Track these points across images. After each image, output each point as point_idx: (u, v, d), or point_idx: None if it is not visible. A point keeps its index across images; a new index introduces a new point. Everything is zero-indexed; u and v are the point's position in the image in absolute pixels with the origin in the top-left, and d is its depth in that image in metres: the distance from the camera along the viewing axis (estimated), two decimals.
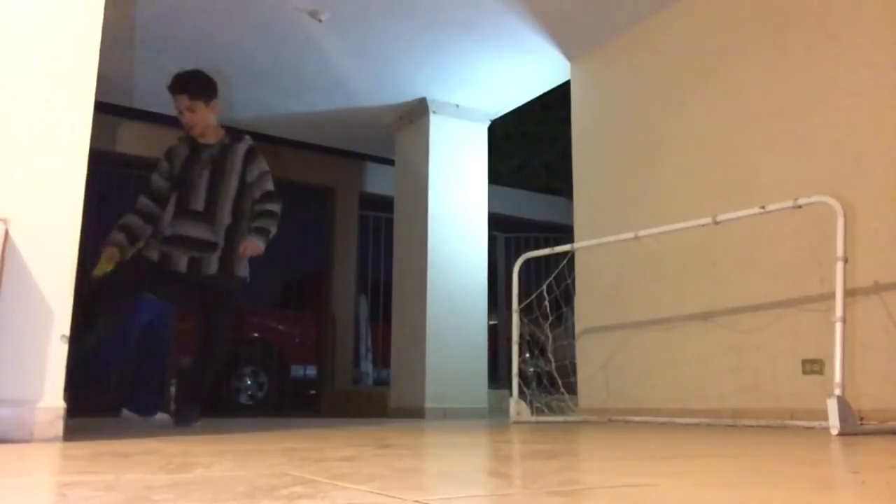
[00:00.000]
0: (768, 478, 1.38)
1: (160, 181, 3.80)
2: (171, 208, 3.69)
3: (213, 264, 3.65)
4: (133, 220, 3.79)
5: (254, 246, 3.66)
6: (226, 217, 3.70)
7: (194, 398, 3.84)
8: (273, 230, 3.76)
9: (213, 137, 3.80)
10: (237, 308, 4.10)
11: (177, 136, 3.92)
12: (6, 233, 2.24)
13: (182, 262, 3.61)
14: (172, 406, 6.51)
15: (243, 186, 3.76)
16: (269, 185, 3.81)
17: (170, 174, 3.79)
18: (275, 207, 3.79)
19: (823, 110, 3.60)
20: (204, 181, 3.70)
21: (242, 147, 3.80)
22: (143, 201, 3.80)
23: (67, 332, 2.34)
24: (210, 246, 3.65)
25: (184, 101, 3.72)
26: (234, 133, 3.88)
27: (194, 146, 3.79)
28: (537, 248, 4.71)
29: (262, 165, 3.81)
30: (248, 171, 3.77)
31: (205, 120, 3.77)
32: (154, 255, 3.64)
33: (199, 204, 3.67)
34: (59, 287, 2.35)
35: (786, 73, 3.79)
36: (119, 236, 3.77)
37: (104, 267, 4.10)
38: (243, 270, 3.76)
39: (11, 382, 2.24)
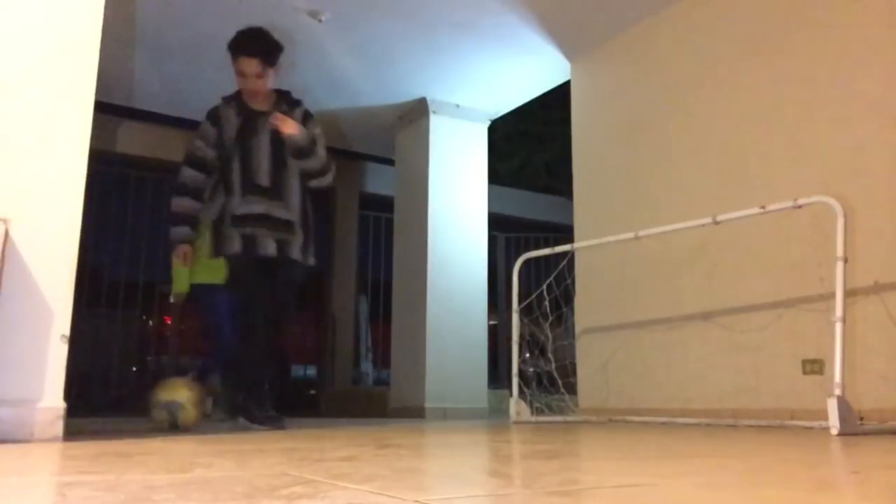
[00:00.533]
0: (768, 478, 1.38)
1: (207, 150, 3.39)
2: (236, 184, 3.30)
3: (296, 249, 3.32)
4: (185, 202, 3.38)
5: (288, 122, 3.25)
6: (294, 194, 3.37)
7: (265, 396, 3.36)
8: (323, 170, 3.47)
9: (265, 104, 3.42)
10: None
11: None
12: (6, 233, 2.24)
13: (270, 246, 3.26)
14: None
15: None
16: (324, 152, 3.49)
17: (218, 142, 3.38)
18: (329, 165, 3.51)
19: (823, 110, 3.59)
20: (266, 154, 3.32)
21: (299, 113, 3.45)
22: (190, 174, 3.38)
23: (67, 332, 2.34)
24: (290, 226, 3.32)
25: (254, 66, 3.32)
26: (287, 97, 3.51)
27: (248, 113, 3.38)
28: (537, 248, 4.71)
29: (316, 128, 3.48)
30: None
31: (268, 87, 3.42)
32: (235, 245, 3.25)
33: (264, 179, 3.31)
34: (59, 287, 2.35)
35: (786, 72, 3.79)
36: (182, 230, 3.37)
37: (182, 282, 3.98)
38: (313, 259, 3.47)
39: (11, 382, 2.24)
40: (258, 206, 3.29)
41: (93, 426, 3.07)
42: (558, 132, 8.83)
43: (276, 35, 3.51)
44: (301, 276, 3.50)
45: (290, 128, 3.27)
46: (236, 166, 3.33)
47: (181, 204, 3.39)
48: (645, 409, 4.17)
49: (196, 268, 4.31)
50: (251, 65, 3.34)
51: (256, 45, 3.39)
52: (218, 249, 3.35)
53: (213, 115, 3.45)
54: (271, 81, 3.42)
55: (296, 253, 3.35)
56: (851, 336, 3.14)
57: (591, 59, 5.08)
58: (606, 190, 4.80)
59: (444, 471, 1.54)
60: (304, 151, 3.36)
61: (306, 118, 3.49)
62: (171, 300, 4.51)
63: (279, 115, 3.28)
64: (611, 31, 4.80)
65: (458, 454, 2.03)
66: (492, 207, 6.16)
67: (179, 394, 3.12)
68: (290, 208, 3.35)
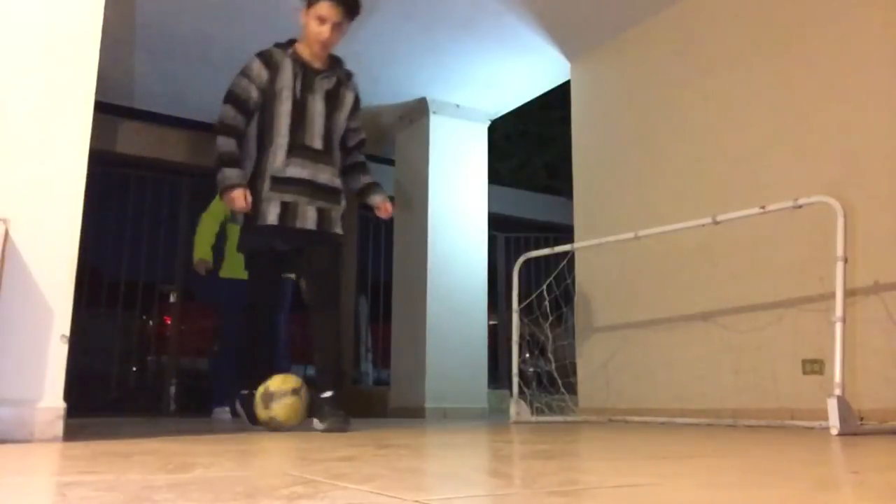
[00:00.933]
0: (768, 478, 1.38)
1: (252, 90, 3.14)
2: (283, 142, 3.07)
3: (337, 221, 3.12)
4: (231, 143, 3.09)
5: (388, 206, 3.30)
6: (339, 161, 3.21)
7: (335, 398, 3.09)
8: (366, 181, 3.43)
9: (323, 62, 3.24)
10: None
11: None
12: (6, 233, 2.24)
13: (310, 216, 3.05)
14: (173, 407, 6.53)
15: (346, 129, 3.33)
16: (364, 134, 3.48)
17: (268, 87, 3.14)
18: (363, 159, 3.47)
19: (823, 110, 3.60)
20: (321, 115, 3.15)
21: (352, 94, 3.35)
22: (232, 114, 3.11)
23: (67, 332, 2.34)
24: (336, 194, 3.14)
25: (336, 14, 3.13)
26: (341, 64, 3.35)
27: (305, 68, 3.18)
28: (537, 248, 4.71)
29: (359, 112, 3.44)
30: (354, 114, 3.36)
31: (338, 42, 3.23)
32: (271, 214, 3.01)
33: (317, 140, 3.11)
34: (59, 287, 2.35)
35: (786, 72, 3.79)
36: (234, 171, 3.03)
37: (204, 247, 4.14)
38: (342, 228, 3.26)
39: (11, 382, 2.24)
40: (305, 171, 3.09)
41: (93, 426, 3.07)
42: (558, 132, 8.83)
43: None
44: (340, 246, 3.28)
45: (389, 210, 3.34)
46: (284, 121, 3.09)
47: (228, 143, 3.08)
48: (645, 409, 4.17)
49: (226, 262, 4.35)
50: (335, 12, 3.14)
51: None
52: (249, 220, 3.09)
53: (267, 57, 3.20)
54: (341, 37, 3.23)
55: (337, 225, 3.16)
56: (851, 336, 3.14)
57: (591, 59, 5.08)
58: (606, 190, 4.80)
59: (444, 471, 1.54)
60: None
61: (356, 101, 3.42)
62: (194, 267, 4.56)
63: (384, 207, 3.31)
64: (611, 31, 4.80)
65: (458, 454, 2.03)
66: (492, 207, 6.16)
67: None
68: (336, 175, 3.20)
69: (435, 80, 5.67)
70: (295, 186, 3.07)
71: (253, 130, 3.17)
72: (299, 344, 7.20)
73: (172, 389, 6.64)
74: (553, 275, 4.66)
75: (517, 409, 4.15)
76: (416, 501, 1.01)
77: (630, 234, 4.01)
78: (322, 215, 3.11)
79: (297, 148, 3.09)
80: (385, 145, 6.75)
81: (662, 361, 4.19)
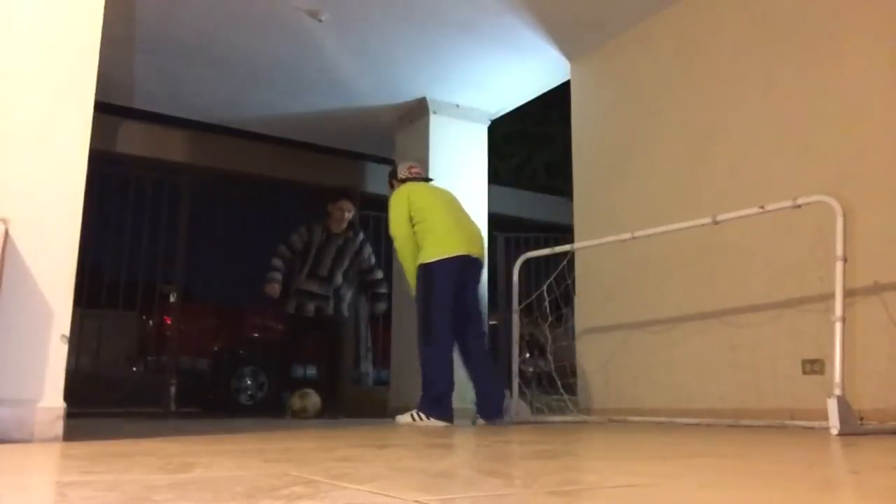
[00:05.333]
0: (768, 478, 1.38)
1: (299, 244, 5.60)
2: (304, 271, 5.53)
3: (330, 309, 5.53)
4: (280, 264, 5.58)
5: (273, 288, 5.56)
6: (338, 280, 5.59)
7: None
8: (385, 299, 6.00)
9: (341, 229, 5.63)
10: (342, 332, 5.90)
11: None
12: (6, 233, 2.24)
13: (311, 309, 5.48)
14: (172, 407, 6.54)
15: (360, 270, 5.81)
16: (373, 261, 5.83)
17: (306, 242, 5.59)
18: (384, 288, 5.97)
19: (823, 110, 3.60)
20: (331, 258, 5.56)
21: (358, 240, 5.72)
22: (284, 251, 5.60)
23: (67, 332, 2.34)
24: (325, 298, 5.52)
25: (348, 205, 5.65)
26: (354, 228, 5.74)
27: (329, 234, 5.61)
28: (537, 248, 4.71)
29: (369, 249, 5.79)
30: (363, 257, 5.76)
31: (349, 219, 5.70)
32: (292, 306, 5.53)
33: (324, 271, 5.53)
34: (59, 287, 2.35)
35: (786, 73, 3.79)
36: (275, 275, 5.54)
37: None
38: (348, 309, 5.82)
39: (11, 382, 2.24)
40: (314, 286, 5.51)
41: (93, 426, 3.07)
42: (558, 132, 8.83)
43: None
44: (341, 323, 5.76)
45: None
46: (309, 262, 5.54)
47: (277, 264, 5.57)
48: (645, 409, 4.17)
49: None
50: (348, 205, 5.66)
51: (354, 196, 5.96)
52: (288, 306, 5.61)
53: (309, 228, 5.63)
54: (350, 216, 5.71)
55: (329, 311, 5.53)
56: (851, 336, 3.14)
57: (591, 59, 5.08)
58: (606, 190, 4.80)
59: (444, 471, 1.54)
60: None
61: (363, 244, 5.77)
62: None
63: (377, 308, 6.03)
64: (611, 31, 4.80)
65: (458, 454, 2.03)
66: (492, 207, 6.15)
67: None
68: (329, 290, 5.55)
69: (435, 80, 5.67)
70: (307, 295, 5.54)
71: (302, 268, 5.63)
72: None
73: (172, 389, 6.64)
74: (553, 275, 4.65)
75: (517, 409, 4.15)
76: (416, 501, 1.01)
77: (629, 235, 4.01)
78: (318, 309, 5.53)
79: (314, 275, 5.56)
80: (385, 145, 6.75)
81: (662, 361, 4.18)
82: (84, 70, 2.51)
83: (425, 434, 3.05)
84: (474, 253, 4.10)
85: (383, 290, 5.87)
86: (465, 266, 4.05)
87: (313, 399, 5.27)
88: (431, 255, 4.02)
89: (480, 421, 4.03)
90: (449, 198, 4.33)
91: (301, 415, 5.17)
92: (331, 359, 5.69)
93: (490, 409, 3.96)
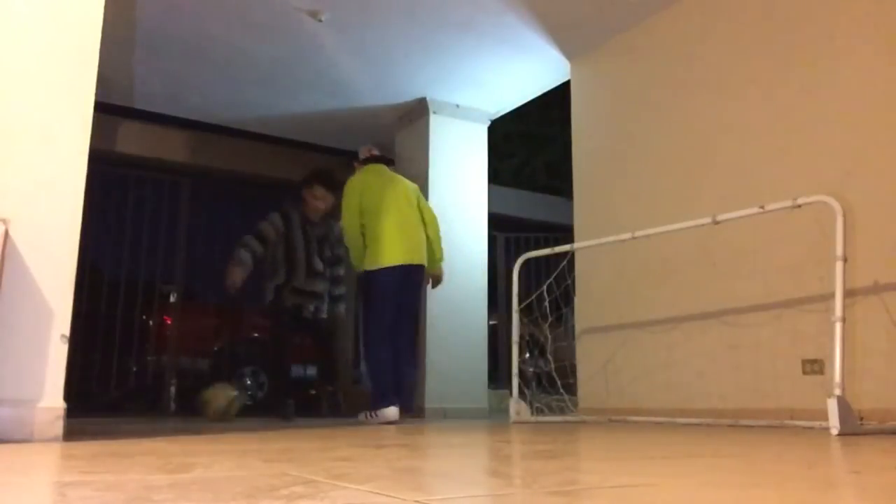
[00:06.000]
0: (768, 478, 1.38)
1: (272, 234, 4.86)
2: (300, 267, 4.86)
3: (324, 311, 5.02)
4: (245, 256, 4.78)
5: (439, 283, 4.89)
6: (325, 273, 5.01)
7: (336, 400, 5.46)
8: (341, 294, 5.25)
9: (319, 217, 4.98)
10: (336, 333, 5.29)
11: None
12: (6, 233, 2.24)
13: (310, 310, 4.92)
14: (172, 407, 6.53)
15: (334, 257, 5.12)
16: (341, 249, 5.06)
17: (283, 231, 4.87)
18: (342, 272, 5.23)
19: (823, 110, 3.60)
20: (315, 252, 4.94)
21: (338, 228, 4.86)
22: (254, 244, 4.82)
23: (67, 332, 2.34)
24: (321, 296, 4.99)
25: (323, 193, 4.90)
26: (332, 214, 5.00)
27: (306, 222, 4.95)
28: (537, 248, 4.71)
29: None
30: (341, 243, 4.94)
31: (326, 210, 4.96)
32: (289, 303, 4.83)
33: (318, 265, 4.95)
34: (59, 287, 2.35)
35: (786, 72, 3.79)
36: (238, 270, 4.75)
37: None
38: (344, 311, 5.29)
39: (11, 382, 2.24)
40: (313, 286, 4.92)
41: (93, 426, 3.07)
42: (558, 132, 8.84)
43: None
44: (332, 326, 5.12)
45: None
46: (301, 257, 4.87)
47: (242, 254, 4.76)
48: (645, 409, 4.17)
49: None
50: (321, 192, 4.92)
51: (329, 180, 4.94)
52: (278, 304, 4.87)
53: (285, 214, 4.93)
54: (328, 206, 4.98)
55: (324, 314, 5.04)
56: (851, 336, 3.14)
57: (591, 59, 5.08)
58: (606, 190, 4.80)
59: (444, 471, 1.54)
60: None
61: (342, 232, 4.80)
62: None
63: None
64: (611, 31, 4.80)
65: (458, 454, 2.03)
66: (492, 207, 6.16)
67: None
68: (324, 286, 5.01)
69: (435, 80, 5.67)
70: (306, 295, 4.91)
71: (282, 261, 4.90)
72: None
73: (172, 389, 6.64)
74: (553, 275, 4.65)
75: (517, 409, 4.15)
76: (416, 501, 1.01)
77: (629, 235, 4.01)
78: (317, 310, 5.00)
79: (311, 271, 4.94)
80: (385, 145, 6.74)
81: (662, 361, 4.18)
82: (84, 70, 2.51)
83: (425, 434, 3.05)
84: (415, 261, 4.37)
85: (341, 290, 5.24)
86: (406, 275, 4.32)
87: (229, 394, 4.50)
88: (373, 263, 4.29)
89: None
90: (400, 195, 4.46)
91: (218, 415, 4.42)
92: (327, 361, 5.25)
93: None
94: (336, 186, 4.78)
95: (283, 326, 4.94)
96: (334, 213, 4.87)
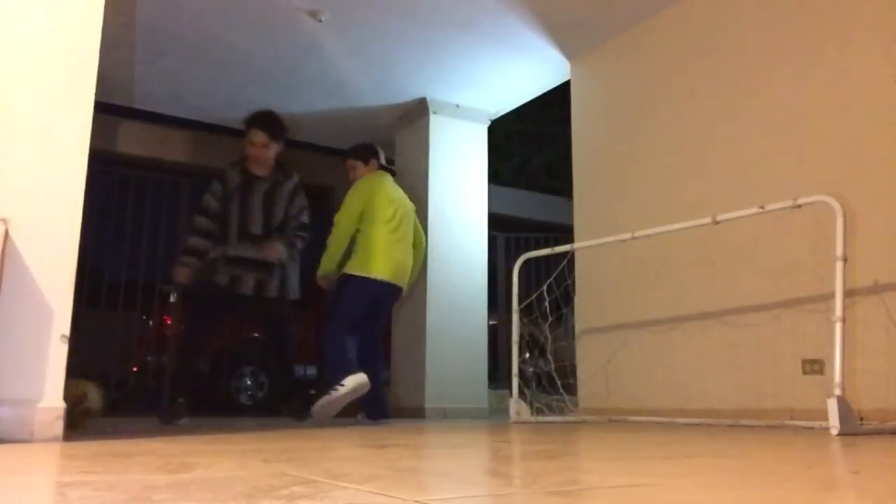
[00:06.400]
0: (768, 478, 1.38)
1: (214, 203, 4.19)
2: (232, 231, 4.12)
3: (273, 287, 4.13)
4: (197, 241, 4.19)
5: (275, 249, 4.11)
6: (277, 241, 4.15)
7: (297, 397, 4.35)
8: (297, 245, 4.29)
9: (266, 171, 4.26)
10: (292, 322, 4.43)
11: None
12: (6, 233, 2.24)
13: (249, 285, 4.09)
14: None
15: (286, 217, 4.24)
16: (305, 218, 4.32)
17: (223, 197, 4.18)
18: (306, 235, 4.33)
19: (823, 110, 3.59)
20: (259, 209, 4.16)
21: (290, 185, 4.30)
22: (202, 221, 4.20)
23: (67, 332, 2.34)
24: (269, 266, 4.13)
25: (261, 138, 4.18)
26: (284, 170, 4.32)
27: (247, 176, 4.22)
28: (537, 248, 4.71)
29: (303, 201, 4.33)
30: (293, 205, 4.28)
31: (271, 159, 4.26)
32: (225, 280, 4.07)
33: (256, 228, 4.13)
34: (59, 287, 2.35)
35: (786, 72, 3.79)
36: (190, 259, 4.17)
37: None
38: (294, 292, 4.26)
39: (11, 382, 2.24)
40: (248, 252, 4.09)
41: (93, 426, 3.07)
42: (558, 132, 8.84)
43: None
44: (288, 310, 4.25)
45: (274, 252, 4.11)
46: (234, 218, 4.14)
47: (197, 243, 4.20)
48: (645, 409, 4.17)
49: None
50: (259, 137, 4.17)
51: (267, 120, 4.23)
52: (207, 282, 4.13)
53: (221, 177, 4.26)
54: (273, 155, 4.25)
55: (272, 291, 4.14)
56: (851, 336, 3.14)
57: (591, 59, 5.08)
58: (606, 190, 4.80)
59: (444, 471, 1.54)
60: (292, 246, 4.27)
61: (295, 191, 4.31)
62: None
63: (270, 248, 4.10)
64: (611, 31, 4.80)
65: (458, 454, 2.03)
66: (492, 207, 6.16)
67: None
68: (272, 253, 4.13)
69: (435, 80, 5.67)
70: (239, 263, 4.09)
71: (221, 231, 4.20)
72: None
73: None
74: (553, 275, 4.65)
75: (517, 409, 4.15)
76: (416, 501, 1.01)
77: (629, 234, 4.01)
78: (258, 283, 4.10)
79: (244, 235, 4.12)
80: (385, 145, 6.73)
81: (662, 361, 4.18)
82: (84, 70, 2.51)
83: (425, 434, 3.05)
84: (398, 282, 4.23)
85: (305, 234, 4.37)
86: (386, 293, 4.20)
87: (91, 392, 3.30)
88: (360, 269, 4.12)
89: (367, 420, 4.22)
90: (405, 213, 4.36)
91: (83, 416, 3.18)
92: (276, 355, 4.38)
93: (376, 411, 4.21)
94: (278, 131, 4.23)
95: (200, 307, 4.23)
96: (285, 166, 4.35)
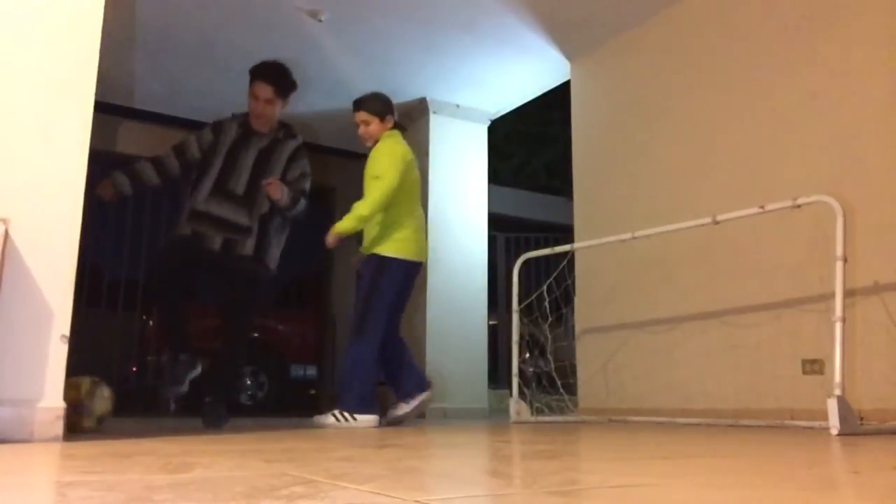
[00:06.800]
0: (768, 478, 1.38)
1: (195, 148, 3.70)
2: (206, 184, 3.58)
3: (247, 247, 3.56)
4: (147, 169, 3.66)
5: (278, 188, 3.52)
6: (264, 205, 3.61)
7: (221, 395, 3.61)
8: (297, 209, 3.68)
9: (266, 128, 3.76)
10: (260, 303, 3.93)
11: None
12: (6, 233, 2.24)
13: (216, 242, 3.52)
14: (172, 407, 6.53)
15: (283, 181, 3.66)
16: (306, 186, 3.77)
17: (210, 148, 3.68)
18: (303, 204, 3.73)
19: (823, 110, 3.60)
20: (248, 167, 3.63)
21: (292, 145, 3.78)
22: (170, 157, 3.70)
23: (67, 332, 2.34)
24: (244, 230, 3.56)
25: (267, 91, 3.69)
26: (287, 129, 3.83)
27: (246, 130, 3.73)
28: (537, 248, 4.71)
29: (304, 166, 3.78)
30: (291, 168, 3.73)
31: (275, 115, 3.76)
32: (187, 232, 3.54)
33: (240, 187, 3.59)
34: (59, 287, 2.35)
35: (786, 72, 3.79)
36: (120, 178, 3.60)
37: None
38: (273, 262, 3.69)
39: (11, 382, 2.24)
40: (219, 210, 3.55)
41: (103, 427, 3.06)
42: (558, 132, 8.85)
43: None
44: (265, 275, 3.67)
45: (277, 190, 3.54)
46: (215, 171, 3.61)
47: (140, 164, 3.69)
48: (645, 409, 4.17)
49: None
50: (263, 90, 3.69)
51: (274, 74, 3.75)
52: (167, 245, 3.64)
53: (218, 126, 3.78)
54: (277, 111, 3.76)
55: (246, 250, 3.55)
56: (851, 336, 3.14)
57: (591, 59, 5.08)
58: (606, 190, 4.80)
59: (444, 471, 1.54)
60: (287, 208, 3.65)
61: (297, 152, 3.79)
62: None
63: (273, 182, 3.53)
64: (611, 31, 4.80)
65: (458, 454, 2.03)
66: (492, 207, 6.16)
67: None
68: (253, 218, 3.59)
69: (435, 80, 5.67)
70: (206, 220, 3.54)
71: (194, 183, 3.66)
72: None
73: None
74: (553, 275, 4.65)
75: (517, 409, 4.15)
76: (416, 501, 1.01)
77: (629, 235, 4.01)
78: (227, 243, 3.54)
79: (219, 192, 3.58)
80: None
81: (662, 361, 4.19)
82: (84, 70, 2.51)
83: (425, 434, 3.05)
84: (424, 261, 4.07)
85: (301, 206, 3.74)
86: (415, 274, 4.01)
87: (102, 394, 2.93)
88: (395, 250, 3.84)
89: (398, 409, 3.91)
90: (418, 183, 4.12)
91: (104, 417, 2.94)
92: (229, 328, 3.68)
93: (411, 387, 3.94)
94: (286, 87, 3.78)
95: (164, 261, 3.66)
96: (290, 125, 3.88)
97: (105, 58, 2.61)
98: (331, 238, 3.81)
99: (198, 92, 5.90)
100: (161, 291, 3.62)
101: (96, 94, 2.54)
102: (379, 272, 3.84)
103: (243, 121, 3.76)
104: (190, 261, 3.56)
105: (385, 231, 3.85)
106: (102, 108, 4.40)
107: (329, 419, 3.74)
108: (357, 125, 4.05)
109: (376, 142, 4.01)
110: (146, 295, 3.97)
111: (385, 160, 3.85)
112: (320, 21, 4.75)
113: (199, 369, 3.60)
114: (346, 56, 5.28)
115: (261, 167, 3.64)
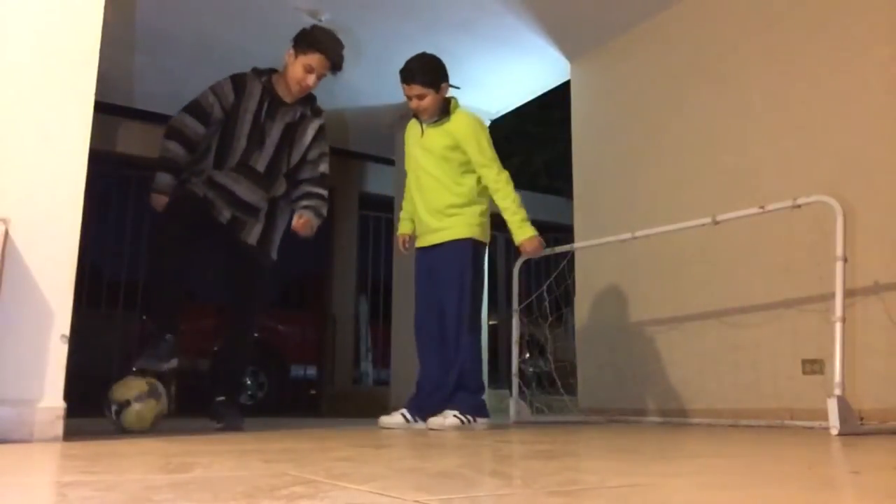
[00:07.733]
0: (768, 478, 1.38)
1: (217, 109, 3.34)
2: (230, 157, 3.26)
3: (252, 234, 3.29)
4: (177, 149, 3.31)
5: (309, 223, 3.30)
6: (281, 187, 3.35)
7: (233, 395, 3.40)
8: (324, 214, 3.44)
9: (291, 97, 3.42)
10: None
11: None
12: (6, 233, 2.24)
13: (225, 215, 3.23)
14: (172, 407, 6.53)
15: (302, 161, 3.41)
16: (326, 168, 3.49)
17: (233, 109, 3.33)
18: (325, 192, 3.47)
19: (824, 110, 3.60)
20: (274, 143, 3.32)
21: (317, 123, 3.49)
22: (189, 121, 3.31)
23: (67, 332, 2.34)
24: (255, 210, 3.28)
25: (324, 67, 3.37)
26: (313, 103, 3.52)
27: (273, 98, 3.37)
28: None
29: (325, 146, 3.51)
30: (312, 148, 3.45)
31: (312, 87, 3.42)
32: (199, 192, 3.24)
33: (261, 165, 3.29)
34: (59, 287, 2.35)
35: (786, 73, 3.79)
36: (166, 177, 3.32)
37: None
38: (275, 250, 3.42)
39: (11, 382, 2.24)
40: (235, 185, 3.25)
41: (93, 426, 3.07)
42: (558, 132, 8.83)
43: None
44: (269, 264, 3.41)
45: (309, 227, 3.33)
46: (241, 144, 3.28)
47: (171, 149, 3.30)
48: (645, 408, 4.17)
49: None
50: (323, 65, 3.36)
51: (338, 50, 3.44)
52: (176, 200, 3.27)
53: (240, 82, 3.43)
54: (316, 84, 3.44)
55: (252, 238, 3.29)
56: (851, 336, 3.14)
57: (591, 59, 5.08)
58: (606, 190, 4.80)
59: (444, 471, 1.54)
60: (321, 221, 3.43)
61: (320, 132, 3.51)
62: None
63: (301, 222, 3.30)
64: (611, 31, 4.80)
65: (458, 454, 2.03)
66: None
67: (130, 392, 2.85)
68: (267, 199, 3.34)
69: None
70: (219, 190, 3.24)
71: (213, 145, 3.33)
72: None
73: (172, 389, 6.64)
74: (553, 275, 4.65)
75: (517, 409, 4.15)
76: (416, 501, 1.01)
77: (629, 234, 4.01)
78: (235, 220, 3.25)
79: (241, 167, 3.27)
80: (385, 145, 6.74)
81: (662, 361, 4.19)
82: (84, 70, 2.51)
83: (425, 434, 3.05)
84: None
85: (322, 208, 3.45)
86: None
87: (134, 408, 2.83)
88: (486, 234, 3.66)
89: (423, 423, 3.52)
90: None
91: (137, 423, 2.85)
92: (235, 326, 3.42)
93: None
94: (342, 61, 3.45)
95: (174, 217, 3.23)
96: (313, 101, 3.55)
97: (105, 58, 2.60)
98: (537, 246, 3.63)
99: (198, 92, 5.88)
100: (164, 254, 3.23)
101: (96, 94, 2.54)
102: (477, 258, 3.59)
103: (268, 85, 3.42)
104: (197, 222, 3.22)
105: (474, 215, 3.62)
106: (102, 108, 4.41)
107: (452, 420, 3.30)
108: (409, 98, 3.68)
109: (433, 114, 3.72)
110: (149, 250, 3.61)
111: (489, 146, 3.59)
112: (320, 21, 4.75)
113: (175, 363, 3.19)
114: (346, 56, 5.27)
115: (285, 144, 3.35)
